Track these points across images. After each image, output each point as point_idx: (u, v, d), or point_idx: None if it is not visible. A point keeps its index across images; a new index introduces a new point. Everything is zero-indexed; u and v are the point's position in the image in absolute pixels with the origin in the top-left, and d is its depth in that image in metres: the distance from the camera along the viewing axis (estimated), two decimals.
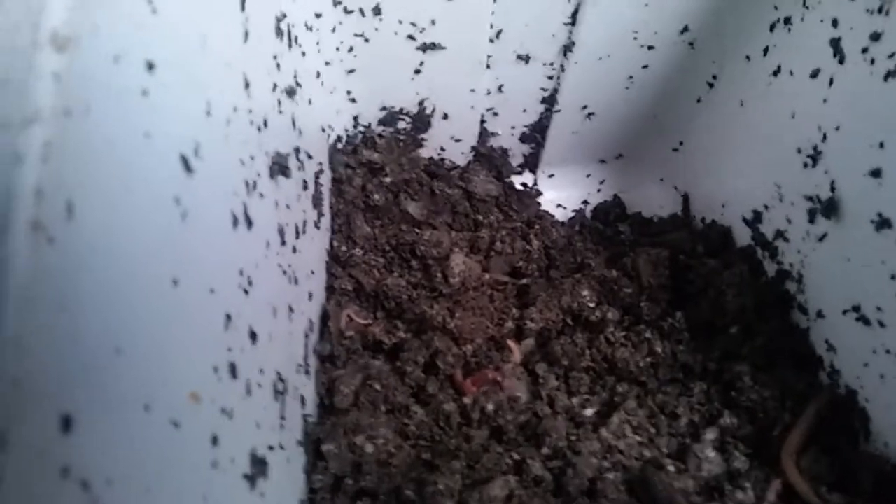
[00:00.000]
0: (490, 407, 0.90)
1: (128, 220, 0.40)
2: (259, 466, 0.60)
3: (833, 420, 0.89)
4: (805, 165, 0.96)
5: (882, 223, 0.83)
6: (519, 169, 1.35)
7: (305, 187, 0.92)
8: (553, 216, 1.30)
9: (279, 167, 0.75)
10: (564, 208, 1.35)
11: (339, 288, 1.04)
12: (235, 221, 0.60)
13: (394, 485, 0.80)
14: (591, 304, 1.02)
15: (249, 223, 0.64)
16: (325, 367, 0.95)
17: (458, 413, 0.91)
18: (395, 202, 1.16)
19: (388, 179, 1.17)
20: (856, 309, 0.88)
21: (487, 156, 1.29)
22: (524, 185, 1.33)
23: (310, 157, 0.97)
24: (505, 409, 0.90)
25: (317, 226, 1.01)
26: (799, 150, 0.97)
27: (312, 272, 0.94)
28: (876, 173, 0.84)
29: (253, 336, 0.63)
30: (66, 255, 0.33)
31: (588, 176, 1.39)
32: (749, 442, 0.88)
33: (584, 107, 1.24)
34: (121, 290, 0.39)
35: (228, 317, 0.56)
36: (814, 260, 0.96)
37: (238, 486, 0.55)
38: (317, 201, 0.99)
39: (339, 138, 1.16)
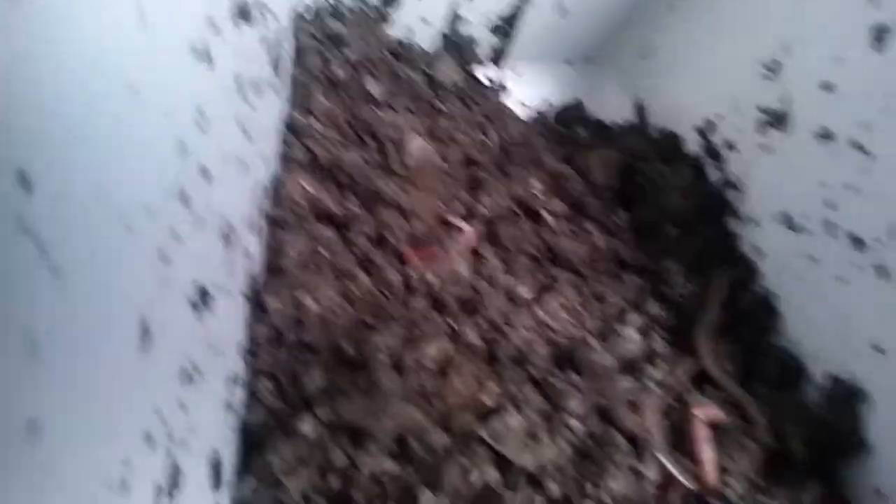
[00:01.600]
0: (433, 279, 0.94)
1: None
2: (204, 297, 0.62)
3: (747, 315, 0.95)
4: (764, 77, 0.99)
5: (825, 136, 0.87)
6: (485, 61, 1.34)
7: (266, 44, 0.90)
8: (514, 113, 1.31)
9: (241, 10, 0.73)
10: (526, 107, 1.36)
11: (293, 157, 1.04)
12: (197, 55, 0.60)
13: (334, 341, 0.84)
14: (540, 196, 1.05)
15: (210, 60, 0.63)
16: (275, 230, 0.96)
17: (402, 283, 0.94)
18: (357, 80, 1.15)
19: (351, 56, 1.15)
20: (786, 216, 0.94)
21: (455, 44, 1.27)
22: (489, 78, 1.32)
23: (275, 18, 0.95)
24: (447, 282, 0.94)
25: (276, 93, 1.00)
26: (760, 62, 0.99)
27: (268, 136, 0.94)
28: (827, 87, 0.87)
29: (204, 173, 0.63)
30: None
31: (553, 77, 1.39)
32: (670, 331, 0.95)
33: (560, 2, 1.23)
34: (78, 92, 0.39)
35: (182, 144, 0.56)
36: (756, 170, 1.01)
37: (183, 309, 0.57)
38: (277, 66, 0.97)
39: (307, 8, 1.12)
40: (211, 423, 0.66)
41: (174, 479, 0.52)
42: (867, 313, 0.80)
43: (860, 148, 0.81)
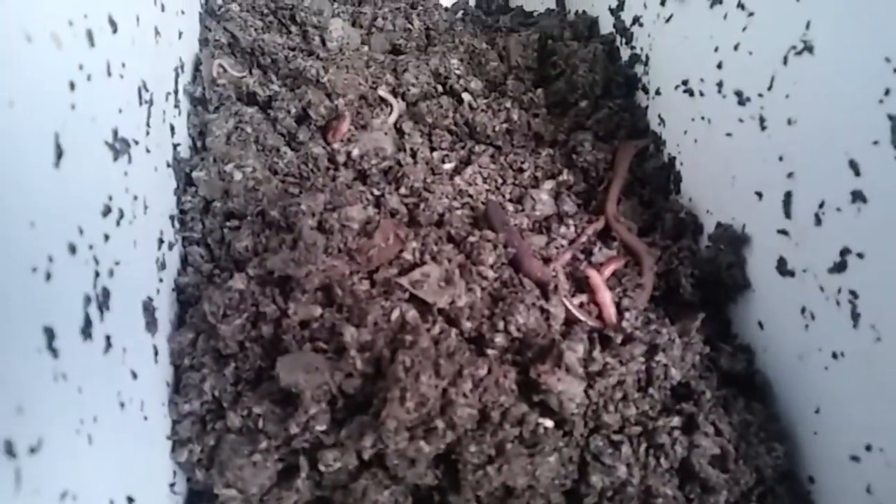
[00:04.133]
0: (356, 153, 0.98)
1: None
2: (123, 145, 0.64)
3: (650, 179, 1.03)
4: None
5: (715, 0, 0.93)
6: None
7: None
8: (438, 1, 1.32)
9: None
10: None
11: (213, 40, 1.05)
12: None
13: (260, 208, 0.88)
14: (458, 72, 1.08)
15: None
16: (197, 110, 0.98)
17: (326, 157, 0.98)
18: None
19: None
20: (685, 83, 1.00)
21: None
22: None
23: None
24: (370, 156, 0.98)
25: None
26: None
27: (183, 12, 0.94)
28: None
29: (113, 25, 0.64)
30: None
31: None
32: (580, 195, 1.02)
33: None
34: None
35: None
36: (659, 42, 1.06)
37: (99, 146, 0.59)
38: None
39: None
40: (141, 271, 0.69)
41: (104, 299, 0.56)
42: (750, 163, 0.88)
43: (742, 6, 0.87)
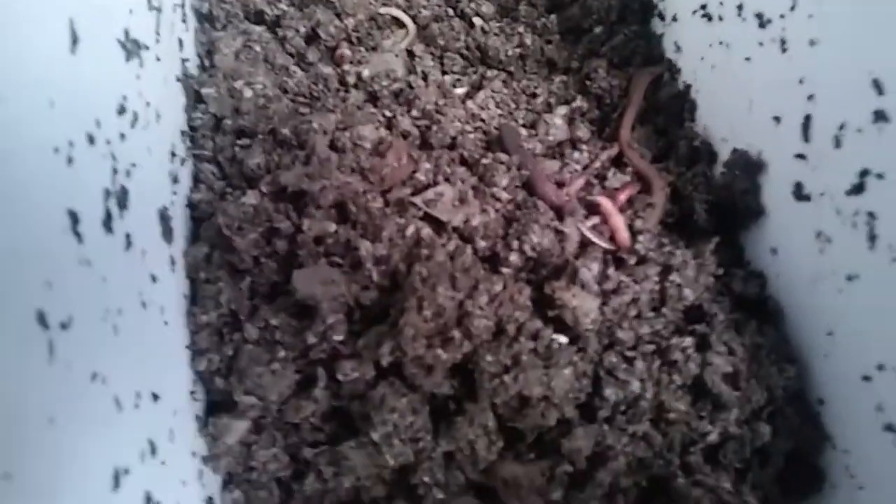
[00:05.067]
0: (366, 74, 0.96)
1: None
2: (134, 46, 0.63)
3: (665, 106, 1.02)
4: None
5: None
6: None
7: None
8: None
9: None
10: None
11: None
12: None
13: (271, 125, 0.86)
14: None
15: None
16: (204, 27, 0.95)
17: (336, 78, 0.96)
18: None
19: None
20: (703, 7, 0.98)
21: None
22: None
23: None
24: (381, 77, 0.96)
25: None
26: None
27: None
28: None
29: None
30: None
31: None
32: (594, 122, 1.00)
33: None
34: None
35: None
36: None
37: (113, 49, 0.58)
38: None
39: None
40: (156, 179, 0.69)
41: (123, 197, 0.55)
42: (769, 87, 0.87)
43: None
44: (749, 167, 0.89)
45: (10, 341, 0.34)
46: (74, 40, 0.48)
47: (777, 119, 0.85)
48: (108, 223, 0.50)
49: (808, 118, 0.79)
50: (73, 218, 0.44)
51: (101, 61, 0.53)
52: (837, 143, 0.75)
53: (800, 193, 0.81)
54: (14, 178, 0.36)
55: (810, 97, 0.79)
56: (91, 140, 0.49)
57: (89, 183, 0.48)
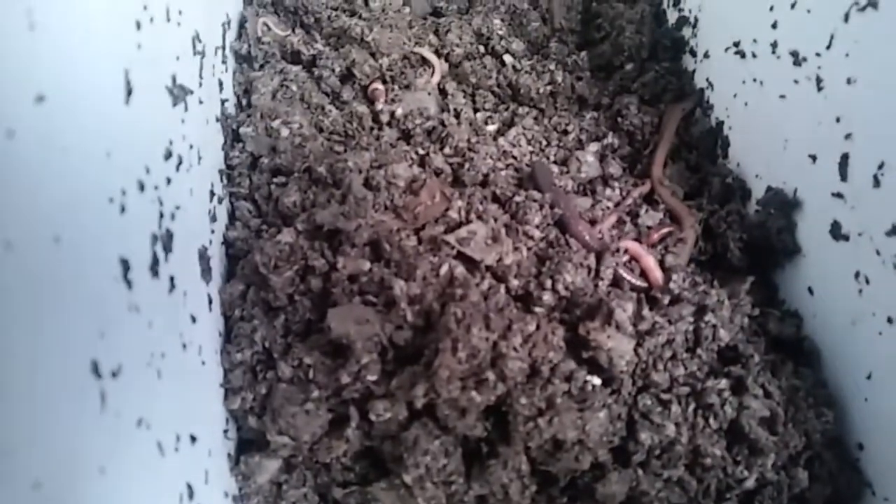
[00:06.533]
0: (400, 112, 0.97)
1: None
2: (181, 91, 0.65)
3: (697, 143, 1.02)
4: None
5: None
6: None
7: None
8: None
9: None
10: None
11: None
12: None
13: (307, 165, 0.88)
14: (500, 33, 1.07)
15: None
16: (242, 67, 0.98)
17: (370, 116, 0.97)
18: None
19: None
20: (736, 44, 0.98)
21: None
22: None
23: None
24: (414, 115, 0.98)
25: None
26: None
27: None
28: None
29: None
30: None
31: None
32: (626, 159, 1.00)
33: None
34: None
35: None
36: (709, 3, 1.04)
37: (162, 93, 0.60)
38: None
39: None
40: (197, 220, 0.70)
41: (168, 241, 0.57)
42: (805, 125, 0.86)
43: None
44: (784, 205, 0.88)
45: (68, 393, 0.35)
46: (129, 91, 0.49)
47: (813, 157, 0.84)
48: (154, 268, 0.52)
49: (845, 157, 0.79)
50: (125, 266, 0.45)
51: (151, 109, 0.55)
52: (876, 182, 0.74)
53: (837, 233, 0.80)
54: (73, 229, 0.37)
55: (847, 136, 0.78)
56: (141, 187, 0.51)
57: (139, 230, 0.50)
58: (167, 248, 0.56)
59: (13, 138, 0.32)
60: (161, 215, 0.55)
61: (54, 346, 0.34)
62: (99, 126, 0.43)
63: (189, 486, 0.53)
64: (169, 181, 0.59)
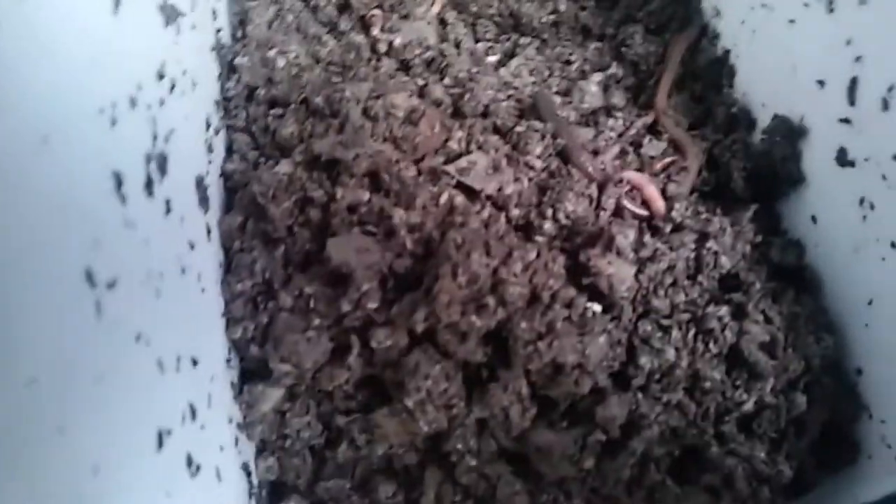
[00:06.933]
0: (398, 42, 0.95)
1: None
2: (172, 11, 0.63)
3: (703, 72, 0.99)
4: None
5: None
6: None
7: None
8: None
9: None
10: None
11: None
12: None
13: (304, 95, 0.86)
14: None
15: None
16: None
17: (368, 47, 0.95)
18: None
19: None
20: None
21: None
22: None
23: None
24: (413, 45, 0.95)
25: None
26: None
27: None
28: None
29: None
30: None
31: None
32: (630, 89, 0.98)
33: None
34: None
35: None
36: None
37: (153, 14, 0.58)
38: None
39: None
40: (192, 147, 0.69)
41: (162, 162, 0.56)
42: (814, 50, 0.84)
43: None
44: (790, 133, 0.87)
45: (61, 297, 0.35)
46: (117, 1, 0.48)
47: (821, 83, 0.83)
48: (149, 187, 0.51)
49: (854, 81, 0.77)
50: (118, 180, 0.45)
51: (141, 25, 0.53)
52: (885, 105, 0.72)
53: (843, 159, 0.79)
54: (61, 136, 0.37)
55: (858, 59, 0.76)
56: (133, 103, 0.50)
57: (131, 146, 0.49)
58: (162, 170, 0.55)
59: None
60: (155, 136, 0.54)
61: (46, 248, 0.34)
62: (84, 30, 0.42)
63: (191, 407, 0.54)
64: (162, 102, 0.58)
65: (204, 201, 0.70)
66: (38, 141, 0.35)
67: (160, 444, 0.45)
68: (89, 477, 0.35)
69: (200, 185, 0.69)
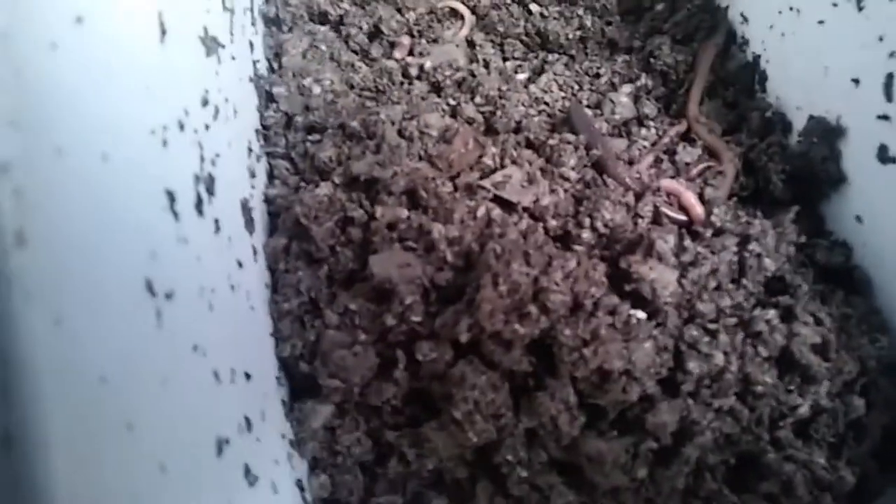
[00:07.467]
0: (429, 65, 0.97)
1: None
2: (213, 43, 0.66)
3: (734, 79, 0.99)
4: None
5: None
6: None
7: None
8: None
9: None
10: None
11: None
12: None
13: (340, 121, 0.89)
14: None
15: None
16: (272, 30, 0.99)
17: (400, 71, 0.98)
18: None
19: None
20: None
21: None
22: None
23: None
24: (444, 67, 0.97)
25: None
26: None
27: None
28: None
29: None
30: None
31: None
32: (660, 99, 0.99)
33: None
34: None
35: None
36: None
37: (195, 44, 0.61)
38: None
39: None
40: (236, 171, 0.72)
41: (210, 184, 0.58)
42: (846, 49, 0.84)
43: None
44: (827, 134, 0.86)
45: (125, 304, 0.37)
46: (163, 31, 0.51)
47: (856, 81, 0.82)
48: (199, 206, 0.53)
49: (890, 76, 0.77)
50: (171, 197, 0.46)
51: (185, 54, 0.56)
52: None
53: (885, 156, 0.78)
54: (119, 151, 0.39)
55: (892, 54, 0.76)
56: (181, 127, 0.52)
57: (181, 167, 0.51)
58: (210, 191, 0.57)
59: (56, 51, 0.33)
60: (202, 158, 0.57)
61: (110, 256, 0.36)
62: (136, 57, 0.44)
63: (247, 419, 0.54)
64: (207, 128, 0.60)
65: (249, 223, 0.72)
66: (99, 158, 0.37)
67: (219, 451, 0.46)
68: (157, 474, 0.36)
69: (245, 207, 0.71)
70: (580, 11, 1.05)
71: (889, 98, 0.77)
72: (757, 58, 1.00)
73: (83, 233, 0.33)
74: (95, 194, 0.35)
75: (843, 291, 0.80)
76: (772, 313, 0.74)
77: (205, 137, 0.58)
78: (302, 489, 0.65)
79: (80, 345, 0.31)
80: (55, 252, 0.30)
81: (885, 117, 0.77)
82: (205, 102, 0.61)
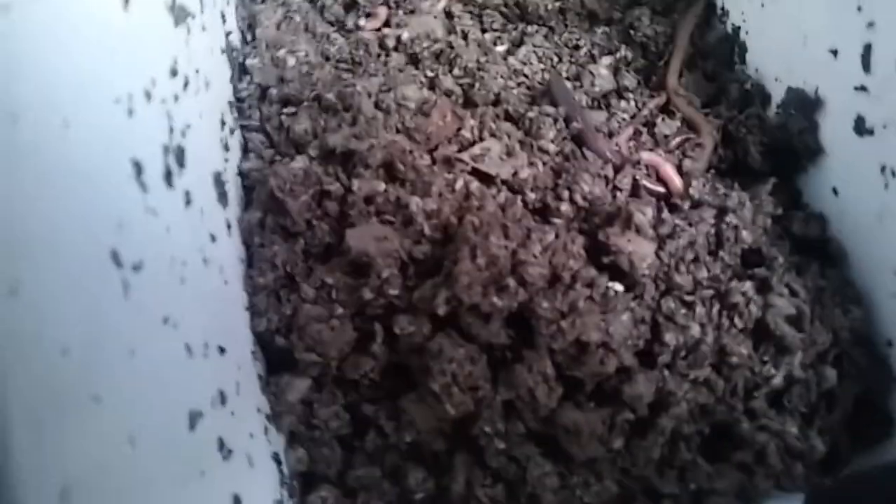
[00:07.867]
0: (406, 37, 0.96)
1: None
2: (181, 12, 0.64)
3: (713, 51, 0.99)
4: None
5: None
6: None
7: None
8: None
9: None
10: None
11: None
12: None
13: (315, 92, 0.87)
14: None
15: None
16: (244, 1, 0.97)
17: (377, 42, 0.96)
18: None
19: None
20: None
21: None
22: None
23: None
24: (421, 39, 0.96)
25: None
26: None
27: None
28: None
29: None
30: None
31: None
32: (640, 71, 0.98)
33: None
34: None
35: None
36: None
37: (162, 12, 0.59)
38: None
39: None
40: (208, 144, 0.70)
41: (180, 154, 0.56)
42: (824, 20, 0.84)
43: None
44: (806, 105, 0.86)
45: (89, 274, 0.36)
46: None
47: (834, 52, 0.82)
48: (168, 178, 0.52)
49: (868, 47, 0.76)
50: (137, 167, 0.45)
51: (151, 22, 0.54)
52: None
53: (861, 128, 0.78)
54: (81, 118, 0.37)
55: (870, 24, 0.76)
56: (148, 96, 0.51)
57: (149, 137, 0.50)
58: (180, 163, 0.56)
59: (9, 12, 0.32)
60: (171, 129, 0.55)
61: (73, 225, 0.35)
62: (97, 22, 0.43)
63: (221, 393, 0.54)
64: (177, 98, 0.58)
65: (223, 197, 0.70)
66: (60, 125, 0.36)
67: (192, 424, 0.46)
68: (127, 446, 0.35)
69: (218, 180, 0.70)
70: None
71: (867, 69, 0.77)
72: (737, 29, 1.00)
73: (39, 199, 0.32)
74: (55, 161, 0.34)
75: (819, 263, 0.81)
76: (748, 285, 0.75)
77: (174, 108, 0.56)
78: (279, 463, 0.65)
79: (39, 315, 0.30)
80: (9, 219, 0.29)
81: (862, 88, 0.77)
82: (174, 73, 0.59)
